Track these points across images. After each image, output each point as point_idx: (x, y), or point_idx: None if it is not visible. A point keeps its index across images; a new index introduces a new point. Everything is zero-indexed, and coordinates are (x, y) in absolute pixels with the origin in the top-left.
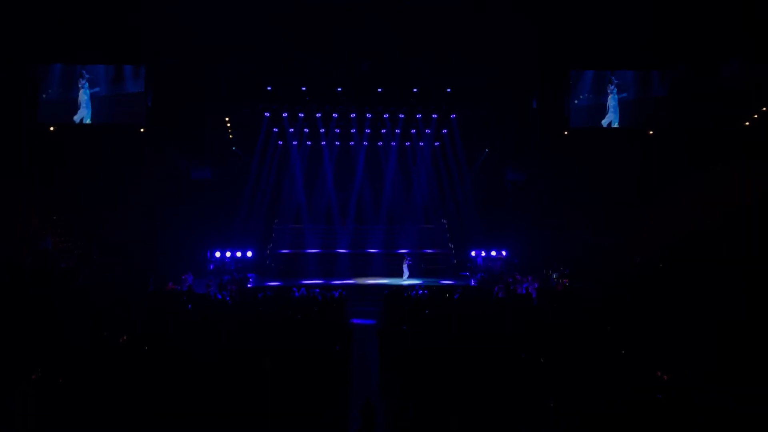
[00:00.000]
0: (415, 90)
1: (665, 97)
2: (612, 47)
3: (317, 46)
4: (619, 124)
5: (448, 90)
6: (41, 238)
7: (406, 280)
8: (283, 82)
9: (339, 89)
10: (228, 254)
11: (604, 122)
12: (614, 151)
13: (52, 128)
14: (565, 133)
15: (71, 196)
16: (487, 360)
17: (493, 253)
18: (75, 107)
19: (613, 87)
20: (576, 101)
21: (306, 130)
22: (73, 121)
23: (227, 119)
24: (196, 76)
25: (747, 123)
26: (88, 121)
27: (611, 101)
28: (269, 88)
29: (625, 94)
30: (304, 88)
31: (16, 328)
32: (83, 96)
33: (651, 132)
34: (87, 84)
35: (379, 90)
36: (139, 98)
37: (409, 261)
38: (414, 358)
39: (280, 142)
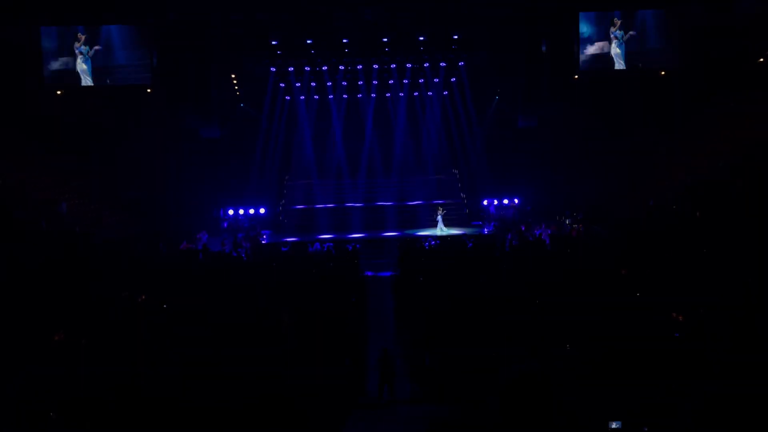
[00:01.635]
0: (421, 38)
1: (673, 37)
2: None
3: None
4: (625, 66)
5: (455, 36)
6: (55, 201)
7: (440, 232)
8: (286, 34)
9: (344, 40)
10: (241, 212)
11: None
12: (625, 93)
13: (59, 92)
14: (576, 77)
15: (83, 160)
16: (501, 307)
17: (506, 201)
18: (76, 73)
19: (617, 31)
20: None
21: (313, 84)
22: (79, 85)
23: (233, 76)
24: (199, 33)
25: (761, 59)
26: (89, 83)
27: (615, 46)
28: (274, 42)
29: (630, 34)
30: (309, 41)
31: (36, 291)
32: (81, 62)
33: (663, 72)
34: (86, 49)
35: (385, 39)
36: (143, 59)
37: (444, 212)
38: (428, 307)
39: (288, 98)
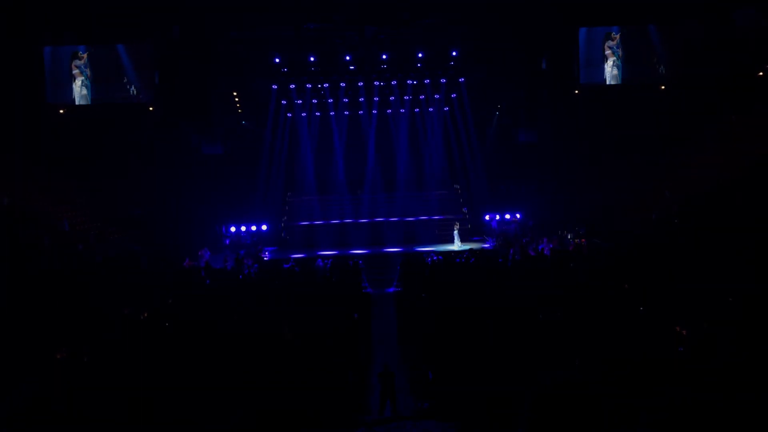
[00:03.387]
0: (420, 54)
1: (673, 52)
2: (620, 2)
3: (320, 13)
4: (624, 81)
5: (454, 53)
6: (58, 219)
7: (457, 247)
8: (287, 52)
9: (346, 57)
10: (243, 228)
11: (607, 77)
12: (625, 107)
13: (61, 111)
14: (576, 91)
15: (85, 177)
16: (503, 322)
17: (507, 216)
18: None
19: (614, 45)
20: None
21: (314, 101)
22: (81, 104)
23: (235, 93)
24: (201, 51)
25: (761, 73)
26: (88, 102)
27: (613, 62)
28: (276, 60)
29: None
30: (311, 58)
31: (39, 309)
32: (81, 83)
33: (663, 87)
34: (86, 69)
35: (384, 56)
36: (146, 77)
37: (460, 227)
38: (431, 323)
39: (290, 114)
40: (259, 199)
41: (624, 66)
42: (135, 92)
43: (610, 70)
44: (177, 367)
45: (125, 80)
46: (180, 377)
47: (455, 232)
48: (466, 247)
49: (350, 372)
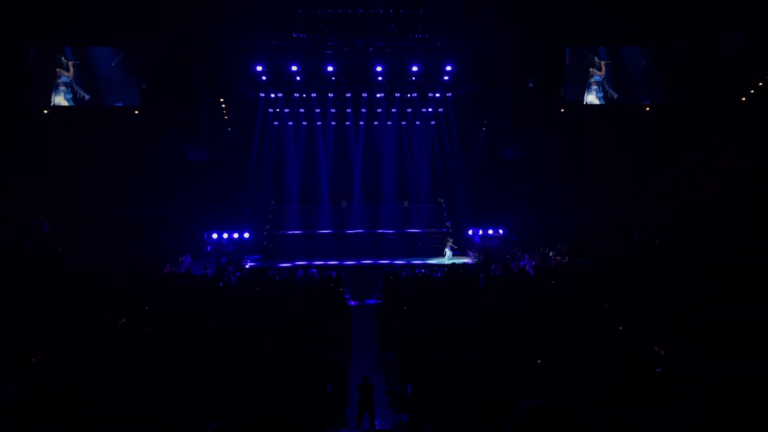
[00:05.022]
0: (414, 68)
1: (658, 73)
2: (606, 23)
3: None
4: (604, 101)
5: (448, 67)
6: (38, 222)
7: (447, 260)
8: (274, 61)
9: (331, 68)
10: (225, 235)
11: (588, 100)
12: (610, 127)
13: (45, 111)
14: (562, 110)
15: (68, 180)
16: (482, 338)
17: (490, 231)
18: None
19: (599, 63)
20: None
21: (301, 110)
22: (65, 105)
23: (222, 100)
24: (188, 58)
25: (743, 98)
26: (71, 104)
27: (594, 79)
28: (259, 69)
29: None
30: (295, 68)
31: (16, 312)
32: (65, 83)
33: (647, 108)
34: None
35: (376, 68)
36: (132, 81)
37: (452, 242)
38: (411, 336)
39: (276, 123)
40: (242, 206)
41: (608, 87)
42: (121, 96)
43: (595, 91)
44: (152, 374)
45: (111, 84)
46: (155, 385)
47: (447, 246)
48: (458, 260)
49: (329, 385)
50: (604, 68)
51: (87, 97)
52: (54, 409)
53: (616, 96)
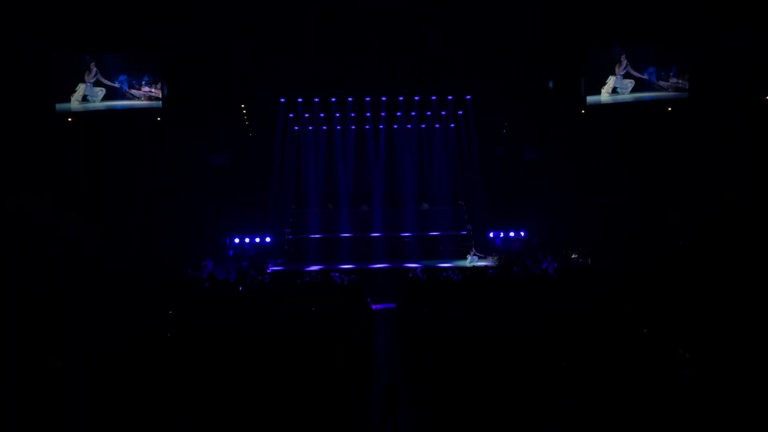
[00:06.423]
0: (429, 68)
1: (679, 70)
2: (627, 23)
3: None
4: (625, 100)
5: (463, 69)
6: (62, 227)
7: (469, 263)
8: (294, 65)
9: (353, 72)
10: (247, 240)
11: (610, 99)
12: (633, 126)
13: (69, 119)
14: (582, 111)
15: (89, 185)
16: (506, 341)
17: (512, 233)
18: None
19: (623, 65)
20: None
21: (321, 114)
22: (87, 110)
23: (243, 105)
24: (210, 63)
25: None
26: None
27: (615, 78)
28: (285, 73)
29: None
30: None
31: (41, 316)
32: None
33: (669, 108)
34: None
35: (390, 72)
36: (153, 87)
37: (475, 251)
38: (434, 339)
39: (296, 128)
40: (264, 211)
41: (629, 86)
42: (143, 101)
43: (616, 90)
44: (176, 376)
45: (133, 89)
46: (177, 388)
47: (471, 254)
48: (480, 263)
49: (351, 386)
50: (625, 67)
51: (109, 102)
52: None
53: (637, 94)
